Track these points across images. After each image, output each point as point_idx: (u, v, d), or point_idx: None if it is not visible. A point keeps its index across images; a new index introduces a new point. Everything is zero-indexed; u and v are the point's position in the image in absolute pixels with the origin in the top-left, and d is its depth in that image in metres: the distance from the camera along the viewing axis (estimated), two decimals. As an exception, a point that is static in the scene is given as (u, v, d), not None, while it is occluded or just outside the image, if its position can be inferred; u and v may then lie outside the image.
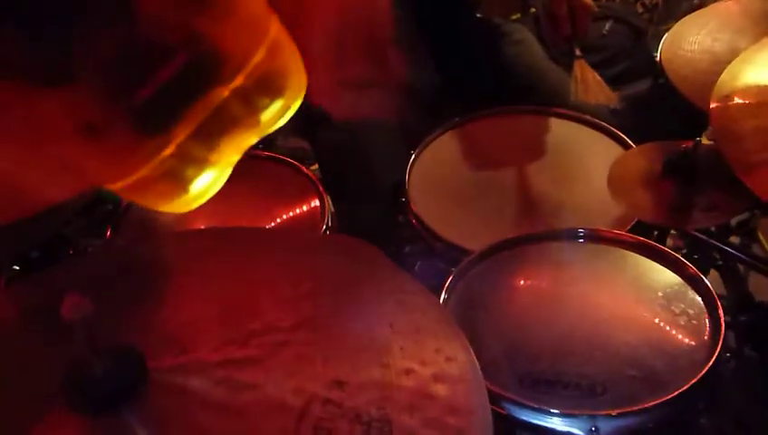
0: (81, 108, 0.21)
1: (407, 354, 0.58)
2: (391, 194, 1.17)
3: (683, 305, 0.79)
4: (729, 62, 0.91)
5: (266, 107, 0.26)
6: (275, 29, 0.27)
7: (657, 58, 1.09)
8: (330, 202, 1.17)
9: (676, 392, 0.68)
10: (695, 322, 0.77)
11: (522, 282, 0.88)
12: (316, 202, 1.16)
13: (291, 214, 1.16)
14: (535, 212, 1.07)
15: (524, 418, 0.70)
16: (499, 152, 1.19)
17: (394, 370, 0.57)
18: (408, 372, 0.56)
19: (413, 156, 1.17)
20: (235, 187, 1.23)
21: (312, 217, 1.13)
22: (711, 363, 0.70)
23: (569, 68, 1.27)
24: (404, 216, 1.12)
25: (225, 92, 0.25)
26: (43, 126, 0.22)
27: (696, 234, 1.00)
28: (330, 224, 1.12)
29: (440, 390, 0.55)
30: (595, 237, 0.91)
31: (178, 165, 0.24)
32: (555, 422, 0.69)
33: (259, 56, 0.25)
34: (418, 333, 0.60)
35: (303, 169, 1.23)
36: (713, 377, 0.70)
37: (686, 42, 1.07)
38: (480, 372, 0.56)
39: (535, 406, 0.69)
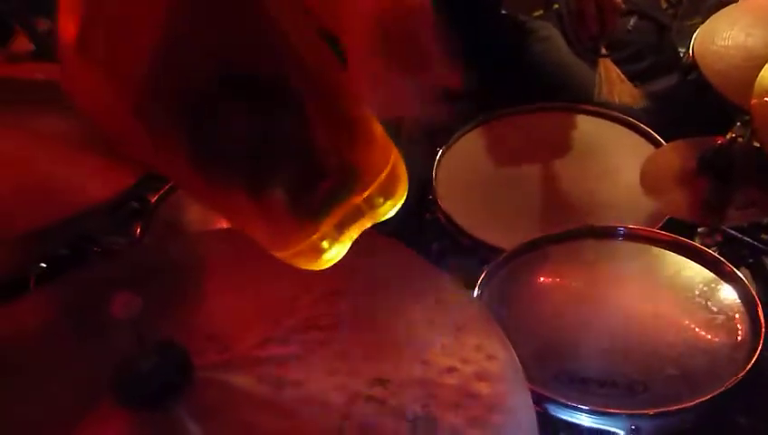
0: (269, 204, 0.32)
1: (448, 352, 0.58)
2: (418, 192, 1.16)
3: (721, 304, 0.78)
4: (763, 57, 0.90)
5: (385, 205, 0.37)
6: (395, 153, 0.38)
7: (690, 53, 1.08)
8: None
9: (716, 392, 0.68)
10: (733, 320, 0.76)
11: (554, 280, 0.88)
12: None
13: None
14: (564, 209, 1.06)
15: (561, 416, 0.69)
16: (526, 149, 1.18)
17: (436, 368, 0.57)
18: (451, 370, 0.56)
19: (440, 153, 1.17)
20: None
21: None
22: (753, 362, 0.69)
23: (592, 65, 1.26)
24: (431, 213, 1.11)
25: (359, 199, 0.35)
26: (243, 211, 0.33)
27: (730, 230, 0.98)
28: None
29: (483, 388, 0.55)
30: (630, 235, 0.90)
31: (320, 243, 0.35)
32: (593, 421, 0.68)
33: (384, 174, 0.36)
34: (459, 330, 0.60)
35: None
36: (753, 376, 0.69)
37: (719, 37, 1.05)
38: (521, 371, 0.56)
39: (573, 404, 0.69)
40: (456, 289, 0.64)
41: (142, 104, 0.28)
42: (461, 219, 1.04)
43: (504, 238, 0.96)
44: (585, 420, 0.70)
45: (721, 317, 0.77)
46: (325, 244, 0.36)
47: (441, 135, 1.20)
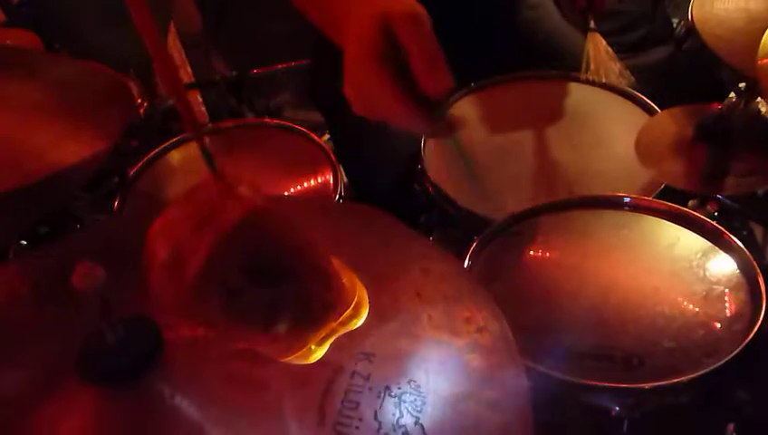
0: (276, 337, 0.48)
1: (436, 324, 0.55)
2: (407, 162, 1.13)
3: (720, 275, 0.76)
4: (766, 19, 0.86)
5: (353, 321, 0.52)
6: (359, 286, 0.54)
7: (689, 18, 1.04)
8: (343, 173, 1.14)
9: (714, 365, 0.65)
10: (733, 291, 0.73)
11: (547, 251, 0.85)
12: (328, 173, 1.12)
13: (302, 185, 1.13)
14: (556, 179, 1.03)
15: (555, 391, 0.67)
16: (518, 118, 1.14)
17: (423, 341, 0.54)
18: (439, 343, 0.53)
19: (429, 123, 1.13)
20: (245, 156, 1.21)
21: (324, 188, 1.10)
22: (752, 334, 0.67)
23: (584, 33, 1.22)
24: (420, 184, 1.08)
25: (335, 323, 0.51)
26: (257, 341, 0.49)
27: (726, 200, 0.96)
28: (343, 195, 1.09)
29: (473, 361, 0.52)
30: (625, 205, 0.87)
31: (308, 352, 0.50)
32: (588, 396, 0.66)
33: (353, 304, 0.52)
34: (447, 301, 0.57)
35: (315, 137, 1.19)
36: (752, 349, 0.67)
37: (719, 0, 1.02)
38: (513, 342, 0.53)
39: (567, 378, 0.66)
40: (442, 258, 0.61)
41: (194, 300, 0.46)
42: (450, 190, 1.00)
43: (494, 209, 0.93)
44: (579, 394, 0.67)
45: (719, 288, 0.74)
46: (312, 350, 0.50)
47: (444, 106, 1.16)
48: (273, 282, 0.47)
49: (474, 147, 1.10)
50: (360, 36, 0.59)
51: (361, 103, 0.62)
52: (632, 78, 1.14)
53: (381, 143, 1.20)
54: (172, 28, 1.88)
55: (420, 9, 0.60)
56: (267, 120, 1.31)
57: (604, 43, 1.15)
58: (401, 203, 1.16)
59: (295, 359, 0.49)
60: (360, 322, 0.52)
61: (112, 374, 0.48)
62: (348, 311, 0.51)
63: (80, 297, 0.46)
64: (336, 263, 0.52)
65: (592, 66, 1.14)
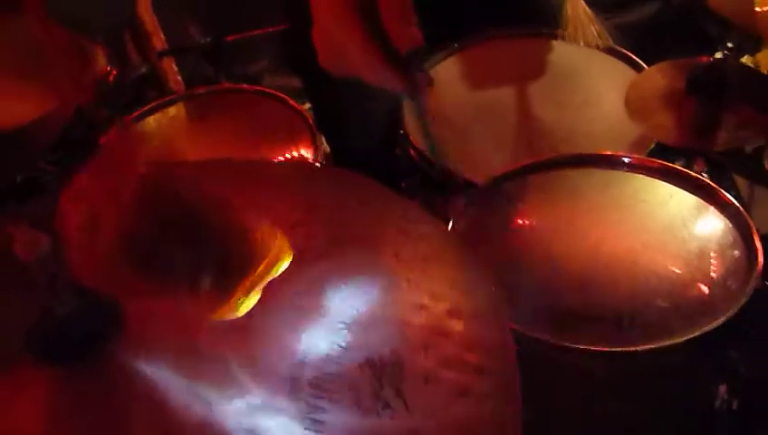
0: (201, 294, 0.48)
1: (415, 288, 0.51)
2: (388, 127, 1.09)
3: (714, 233, 0.73)
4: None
5: (276, 268, 0.51)
6: (279, 237, 0.54)
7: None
8: (323, 140, 1.10)
9: (712, 325, 0.62)
10: (728, 250, 0.71)
11: (534, 212, 0.82)
12: (308, 140, 1.09)
13: (281, 153, 1.09)
14: (543, 139, 0.99)
15: (544, 354, 0.64)
16: (502, 78, 1.11)
17: (402, 305, 0.50)
18: (419, 307, 0.50)
19: (411, 84, 1.09)
20: (222, 123, 1.17)
21: (304, 156, 1.06)
22: (748, 293, 0.64)
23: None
24: (402, 149, 1.04)
25: (257, 273, 0.50)
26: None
27: (716, 158, 0.93)
28: (323, 163, 1.06)
29: (456, 325, 0.48)
30: (614, 163, 0.84)
31: (236, 304, 0.49)
32: (578, 358, 0.63)
33: (272, 254, 0.52)
34: (426, 263, 0.54)
35: (294, 104, 1.15)
36: (748, 307, 0.64)
37: (712, -49, 0.98)
38: (500, 304, 0.50)
39: (556, 342, 0.63)
40: (421, 218, 0.57)
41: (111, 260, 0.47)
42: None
43: (479, 172, 0.89)
44: (568, 357, 0.64)
45: (713, 245, 0.71)
46: (240, 302, 0.49)
47: (413, 64, 1.12)
48: (189, 239, 0.48)
49: (458, 108, 1.06)
50: None
51: (330, 54, 0.60)
52: (610, 40, 1.11)
53: (361, 108, 1.16)
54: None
55: None
56: (245, 86, 1.27)
57: (583, 4, 1.12)
58: (383, 168, 1.13)
59: (225, 314, 0.49)
60: (284, 265, 0.52)
61: (65, 352, 0.44)
62: (269, 258, 0.52)
63: (27, 271, 0.42)
64: (252, 216, 0.54)
65: (570, 28, 1.11)
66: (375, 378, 0.44)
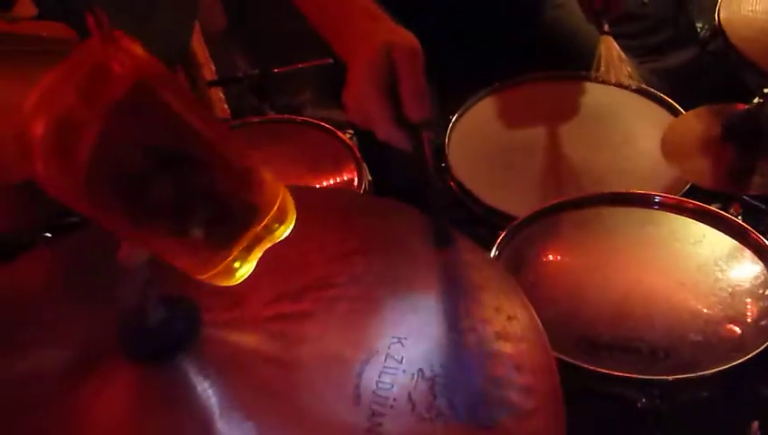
0: (190, 242, 0.44)
1: (466, 313, 0.56)
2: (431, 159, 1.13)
3: (747, 273, 0.76)
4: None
5: (279, 229, 0.47)
6: (283, 189, 0.48)
7: (715, 19, 1.04)
8: (366, 169, 1.15)
9: (739, 360, 0.65)
10: (760, 290, 0.73)
11: (572, 247, 0.85)
12: (353, 170, 1.13)
13: (327, 181, 1.13)
14: (580, 177, 1.03)
15: (584, 382, 0.67)
16: (541, 118, 1.15)
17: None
18: (470, 330, 0.54)
19: (452, 120, 1.14)
20: (270, 152, 1.22)
21: (348, 185, 1.11)
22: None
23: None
24: (444, 182, 1.08)
25: (258, 228, 0.46)
26: (171, 249, 0.45)
27: (751, 200, 0.96)
28: (367, 191, 1.10)
29: (505, 348, 0.52)
30: (651, 202, 0.87)
31: (232, 265, 0.46)
32: (615, 386, 0.66)
33: (276, 207, 0.47)
34: (476, 291, 0.58)
35: (339, 134, 1.20)
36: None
37: (746, 2, 1.02)
38: (543, 332, 0.54)
39: (593, 369, 0.66)
40: (470, 249, 0.62)
41: (89, 187, 0.39)
42: (474, 187, 1.01)
43: (518, 207, 0.93)
44: (605, 386, 0.67)
45: (747, 285, 0.74)
46: (236, 264, 0.46)
47: (454, 101, 1.17)
48: (180, 167, 0.41)
49: (497, 145, 1.11)
50: (368, 61, 0.69)
51: (356, 114, 0.73)
52: (642, 81, 1.15)
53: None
54: (197, 26, 1.90)
55: (417, 44, 0.70)
56: (294, 116, 1.32)
57: (617, 46, 1.15)
58: (423, 199, 1.17)
59: (221, 278, 0.45)
60: (287, 230, 0.47)
61: (152, 353, 0.49)
62: (272, 212, 0.46)
63: (118, 278, 0.47)
64: (256, 161, 0.47)
65: (603, 68, 1.14)
66: (430, 389, 0.48)
